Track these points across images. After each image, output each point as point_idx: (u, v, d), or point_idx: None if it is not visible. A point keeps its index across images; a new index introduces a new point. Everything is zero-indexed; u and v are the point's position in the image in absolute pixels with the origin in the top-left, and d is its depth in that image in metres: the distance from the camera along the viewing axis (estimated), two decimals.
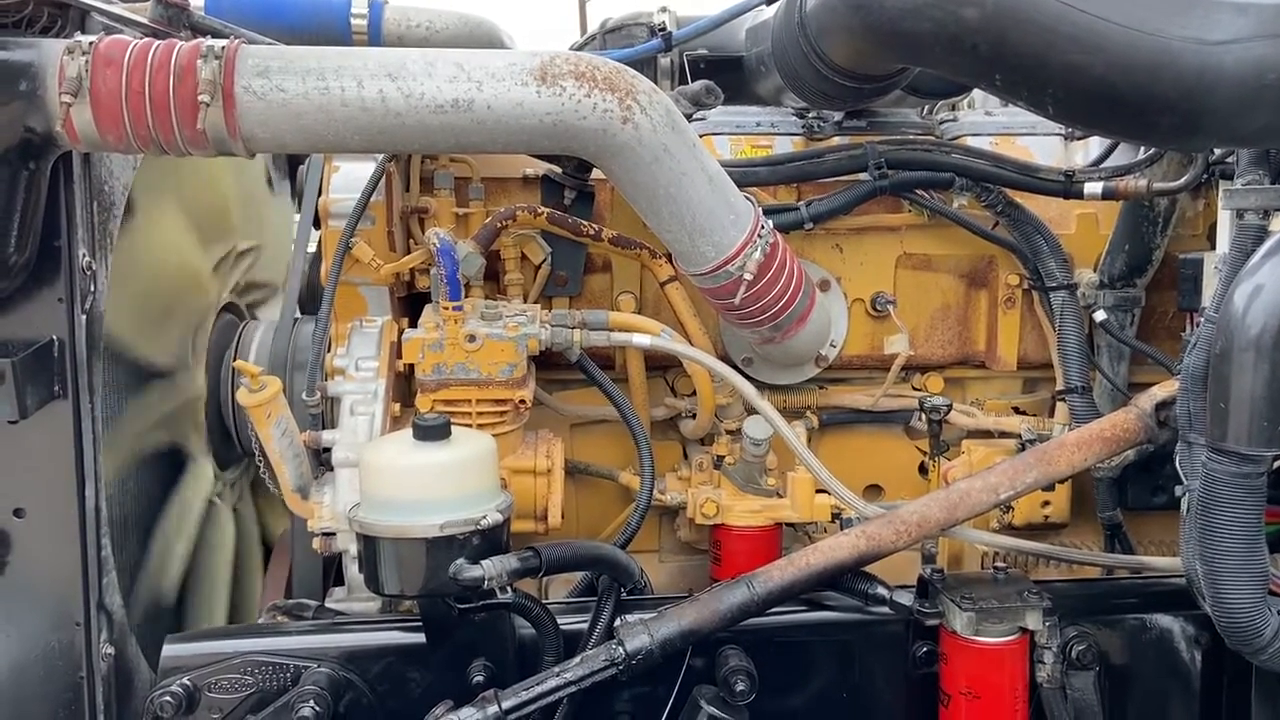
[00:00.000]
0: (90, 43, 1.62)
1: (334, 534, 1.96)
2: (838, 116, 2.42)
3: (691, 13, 2.58)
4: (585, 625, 1.78)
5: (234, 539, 2.55)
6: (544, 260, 2.23)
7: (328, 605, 2.06)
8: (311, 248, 2.64)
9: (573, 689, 1.61)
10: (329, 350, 2.11)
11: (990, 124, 2.50)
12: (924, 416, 2.31)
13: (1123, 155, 2.36)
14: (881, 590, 1.83)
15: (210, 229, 2.46)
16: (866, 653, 1.87)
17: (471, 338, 1.96)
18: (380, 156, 2.10)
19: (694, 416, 2.31)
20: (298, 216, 2.78)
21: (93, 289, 1.83)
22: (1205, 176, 2.14)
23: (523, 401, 2.02)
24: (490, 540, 1.65)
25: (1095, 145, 2.47)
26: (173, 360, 2.28)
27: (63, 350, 1.78)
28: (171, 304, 2.29)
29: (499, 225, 2.15)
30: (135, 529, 2.16)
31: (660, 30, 2.47)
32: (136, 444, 2.15)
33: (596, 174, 2.20)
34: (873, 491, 2.45)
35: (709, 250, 1.92)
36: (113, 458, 2.00)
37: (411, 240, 2.22)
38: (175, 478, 2.36)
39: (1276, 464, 1.57)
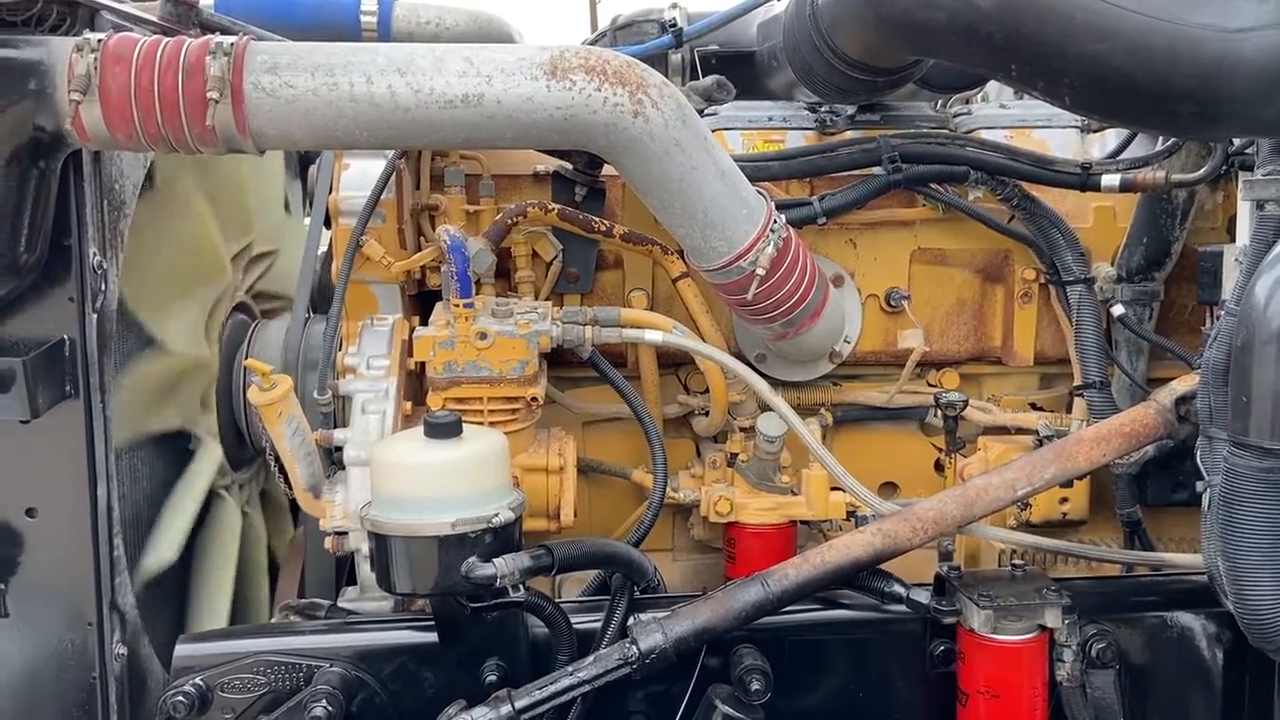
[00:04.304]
0: (99, 40, 1.62)
1: (346, 533, 1.96)
2: (850, 110, 2.40)
3: (702, 8, 2.57)
4: (599, 624, 1.77)
5: (240, 529, 2.54)
6: (555, 257, 2.22)
7: (340, 605, 2.05)
8: (323, 249, 2.64)
9: (586, 688, 1.59)
10: (340, 348, 2.11)
11: (1005, 117, 2.48)
12: (940, 413, 2.29)
13: (1140, 147, 2.34)
14: (898, 588, 1.81)
15: (229, 218, 2.45)
16: (883, 651, 1.85)
17: (483, 335, 1.95)
18: (390, 153, 2.09)
19: (707, 414, 2.29)
20: (308, 220, 2.78)
21: (103, 288, 1.83)
22: (1224, 167, 2.12)
23: (534, 399, 2.01)
24: (502, 538, 1.64)
25: (1112, 138, 2.45)
26: (185, 332, 2.26)
27: (74, 350, 1.78)
28: (187, 275, 2.28)
29: (510, 222, 2.15)
30: (141, 502, 2.15)
31: (671, 26, 2.46)
32: (144, 415, 2.14)
33: (608, 170, 2.19)
34: (888, 489, 2.43)
35: (721, 245, 1.90)
36: (120, 427, 1.99)
37: (422, 238, 2.22)
38: (183, 456, 2.35)
39: None
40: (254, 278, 2.66)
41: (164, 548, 2.17)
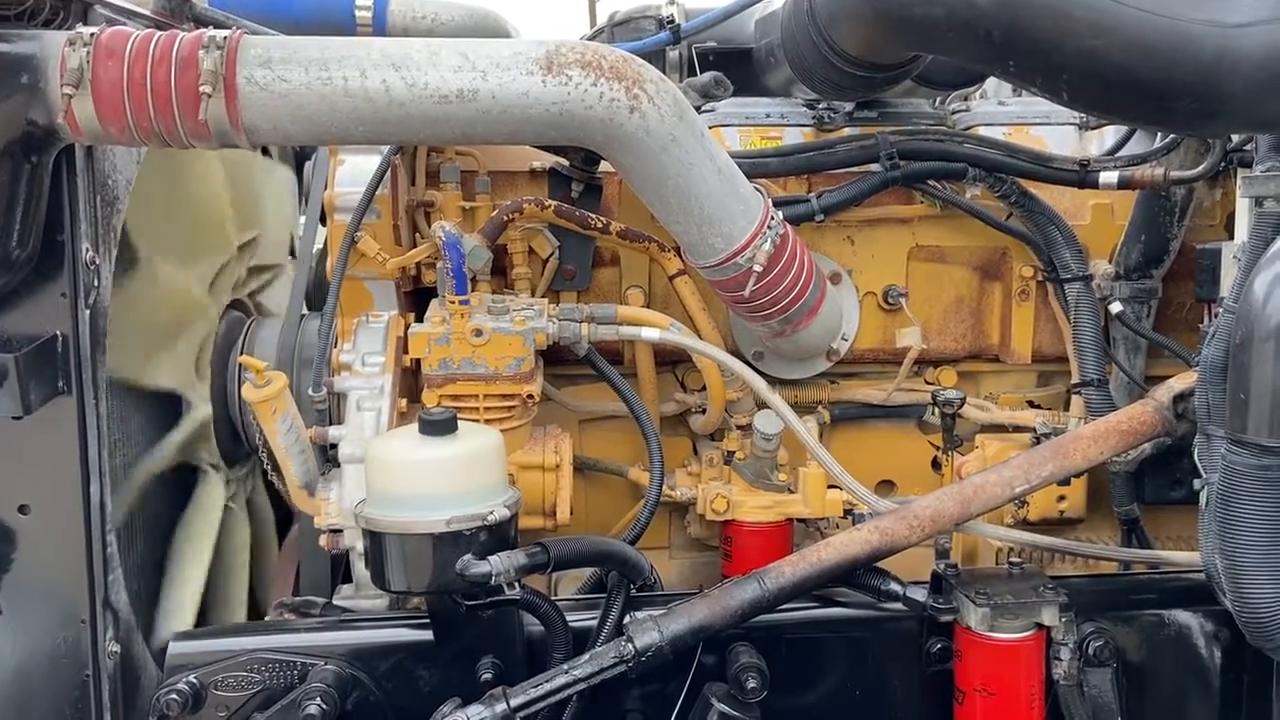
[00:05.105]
0: (92, 34, 1.61)
1: (341, 530, 1.95)
2: (848, 107, 2.39)
3: (700, 5, 2.56)
4: (594, 622, 1.77)
5: (249, 542, 2.54)
6: (551, 254, 2.22)
7: (335, 602, 2.04)
8: (319, 245, 2.63)
9: (582, 686, 1.59)
10: (335, 345, 2.10)
11: (1003, 114, 2.47)
12: (937, 411, 2.28)
13: (1138, 144, 2.34)
14: (895, 586, 1.80)
15: (206, 246, 2.43)
16: (879, 649, 1.84)
17: (478, 332, 1.94)
18: (386, 149, 2.08)
19: (704, 411, 2.29)
20: (304, 218, 2.77)
21: (96, 283, 1.82)
22: (1223, 164, 2.11)
23: (530, 396, 2.00)
24: (498, 536, 1.64)
25: (1111, 135, 2.44)
26: (178, 388, 2.27)
27: (66, 345, 1.76)
28: (172, 338, 2.28)
29: (505, 218, 2.13)
30: (151, 554, 2.15)
31: (668, 23, 2.46)
32: (150, 472, 2.15)
33: (604, 167, 2.18)
34: (885, 487, 2.42)
35: (718, 242, 1.90)
36: (129, 488, 2.00)
37: (417, 234, 2.21)
38: (188, 496, 2.35)
39: None
40: (240, 268, 2.64)
41: (177, 618, 2.16)
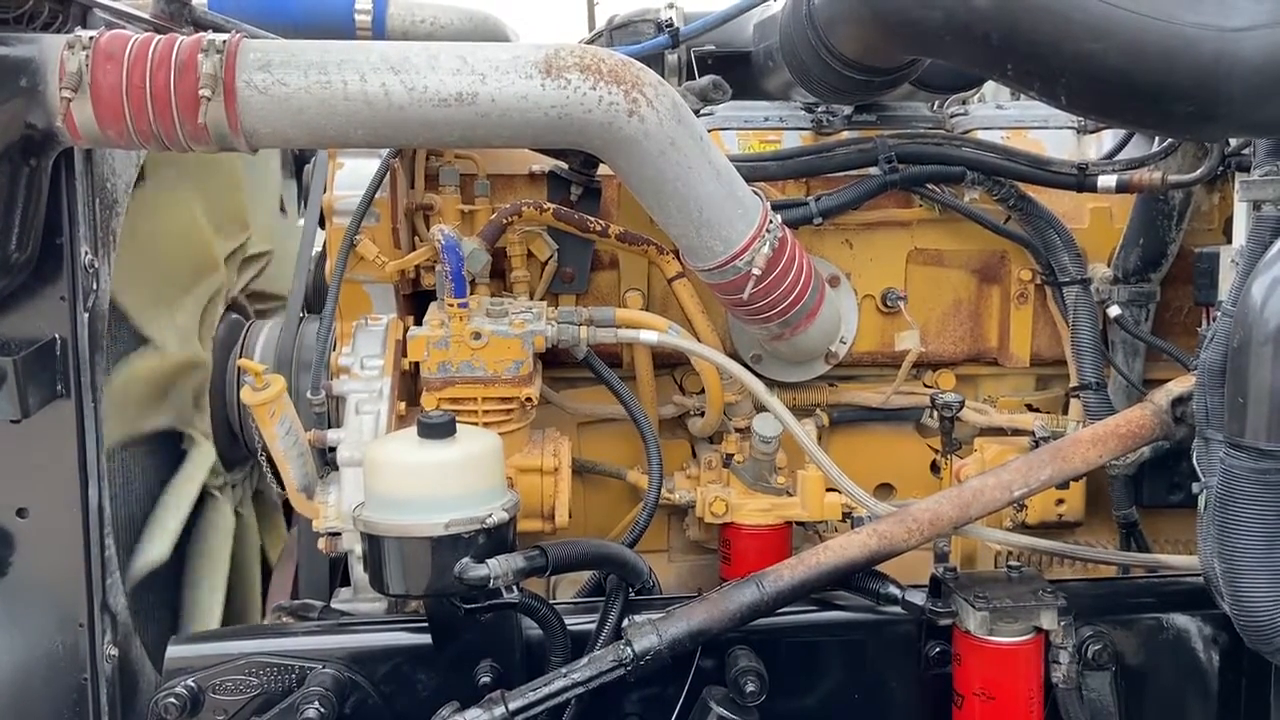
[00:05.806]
0: (91, 38, 1.61)
1: (339, 534, 1.95)
2: (847, 111, 2.39)
3: (699, 8, 2.56)
4: (593, 625, 1.76)
5: (233, 530, 2.53)
6: (550, 257, 2.22)
7: (333, 606, 2.04)
8: (318, 248, 2.63)
9: (580, 690, 1.58)
10: (334, 348, 2.10)
11: (1002, 117, 2.48)
12: (936, 414, 2.28)
13: (1136, 148, 2.34)
14: (893, 589, 1.80)
15: (224, 216, 2.44)
16: (878, 653, 1.84)
17: (477, 335, 1.94)
18: (385, 152, 2.08)
19: (703, 414, 2.29)
20: (302, 223, 2.78)
21: (95, 287, 1.82)
22: (1221, 168, 2.11)
23: (529, 399, 2.00)
24: (496, 539, 1.63)
25: (1109, 138, 2.45)
26: (178, 330, 2.26)
27: (65, 349, 1.77)
28: (179, 272, 2.27)
29: (504, 221, 2.14)
30: (133, 502, 2.14)
31: (667, 26, 2.46)
32: (136, 414, 2.13)
33: (603, 170, 2.18)
34: (884, 490, 2.42)
35: (717, 245, 1.90)
36: (111, 427, 1.98)
37: (416, 237, 2.21)
38: (176, 455, 2.35)
39: None
40: (249, 277, 2.65)
41: (155, 548, 2.16)
